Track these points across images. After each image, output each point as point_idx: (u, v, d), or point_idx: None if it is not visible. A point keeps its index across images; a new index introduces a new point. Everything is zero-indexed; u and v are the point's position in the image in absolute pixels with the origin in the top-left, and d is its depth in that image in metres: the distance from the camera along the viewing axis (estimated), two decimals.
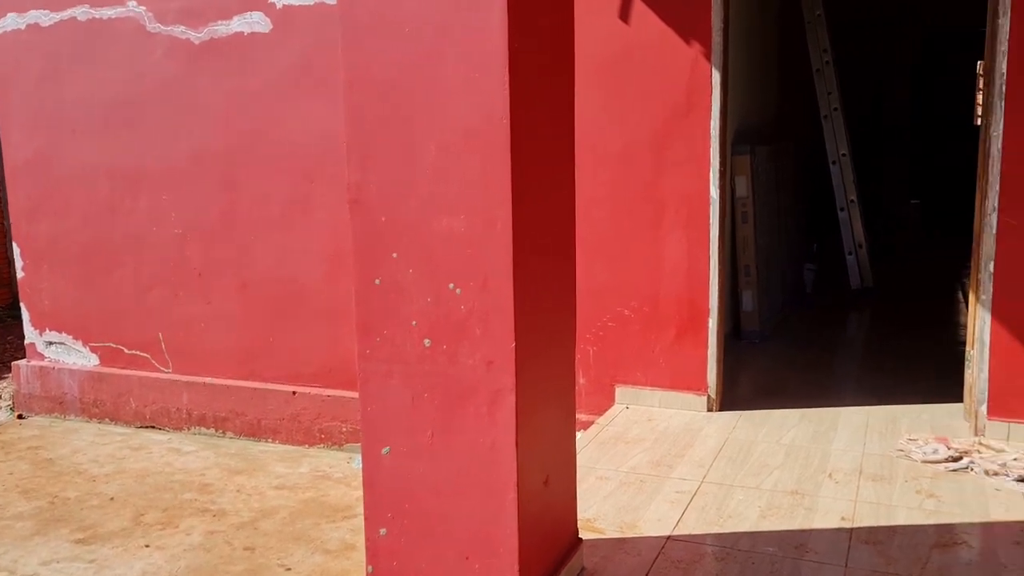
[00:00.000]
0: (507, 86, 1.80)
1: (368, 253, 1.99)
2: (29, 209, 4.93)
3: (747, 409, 3.72)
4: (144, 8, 4.39)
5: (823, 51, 5.94)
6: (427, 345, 1.96)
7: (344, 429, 4.31)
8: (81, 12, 4.54)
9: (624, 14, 3.49)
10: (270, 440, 4.48)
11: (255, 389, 4.49)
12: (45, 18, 4.64)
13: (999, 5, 3.05)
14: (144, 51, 4.44)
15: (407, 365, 2.00)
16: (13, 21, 4.73)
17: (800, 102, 6.71)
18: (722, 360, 3.73)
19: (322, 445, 4.38)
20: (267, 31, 4.16)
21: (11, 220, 5.03)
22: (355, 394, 4.34)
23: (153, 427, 4.74)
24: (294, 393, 4.40)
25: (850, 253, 6.13)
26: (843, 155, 6.08)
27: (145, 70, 4.47)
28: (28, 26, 4.70)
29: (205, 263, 4.53)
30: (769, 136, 5.50)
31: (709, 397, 3.68)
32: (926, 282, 6.82)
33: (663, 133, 3.55)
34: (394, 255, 1.96)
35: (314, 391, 4.37)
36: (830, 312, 5.77)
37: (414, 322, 1.97)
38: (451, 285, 1.92)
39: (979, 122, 3.17)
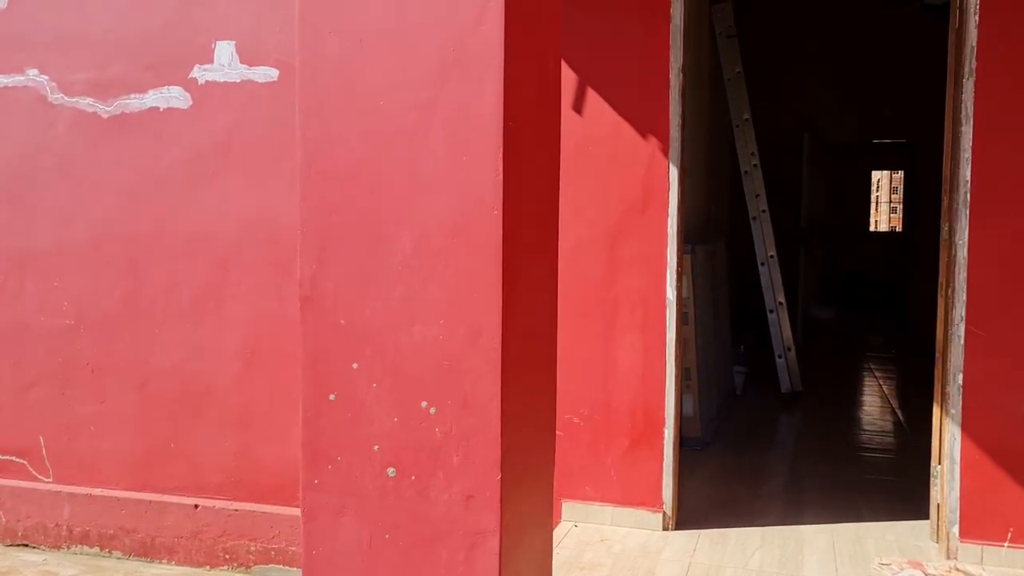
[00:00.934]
0: (500, 172, 1.53)
1: (321, 362, 1.66)
2: None
3: (703, 527, 3.45)
4: (47, 78, 4.00)
5: (751, 154, 5.99)
6: (391, 475, 1.62)
7: (253, 549, 3.81)
8: None
9: (578, 105, 3.33)
10: (165, 561, 3.93)
11: (150, 502, 3.96)
12: None
13: (961, 113, 3.01)
14: (44, 123, 4.03)
15: (365, 499, 1.64)
16: None
17: (726, 202, 6.74)
18: (678, 473, 3.48)
19: (226, 567, 3.86)
20: (186, 107, 3.83)
21: None
22: (267, 508, 3.89)
23: (26, 545, 4.11)
24: (196, 507, 3.89)
25: (780, 356, 6.06)
26: (771, 256, 6.07)
27: (43, 143, 4.04)
28: None
29: (100, 357, 4.03)
30: (704, 235, 5.43)
31: (664, 514, 3.40)
32: (851, 385, 6.82)
33: (618, 230, 3.35)
34: (354, 366, 1.63)
35: (220, 504, 3.87)
36: (764, 416, 5.64)
37: (376, 447, 1.63)
38: (424, 403, 1.60)
39: (943, 229, 3.11)
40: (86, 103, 3.95)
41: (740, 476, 4.22)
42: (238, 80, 3.73)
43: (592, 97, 3.32)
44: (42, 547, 4.09)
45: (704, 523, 3.49)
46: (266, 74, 3.68)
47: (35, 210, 4.08)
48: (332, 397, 1.65)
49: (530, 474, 1.74)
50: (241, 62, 3.72)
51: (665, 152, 3.28)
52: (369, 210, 1.60)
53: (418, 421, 1.60)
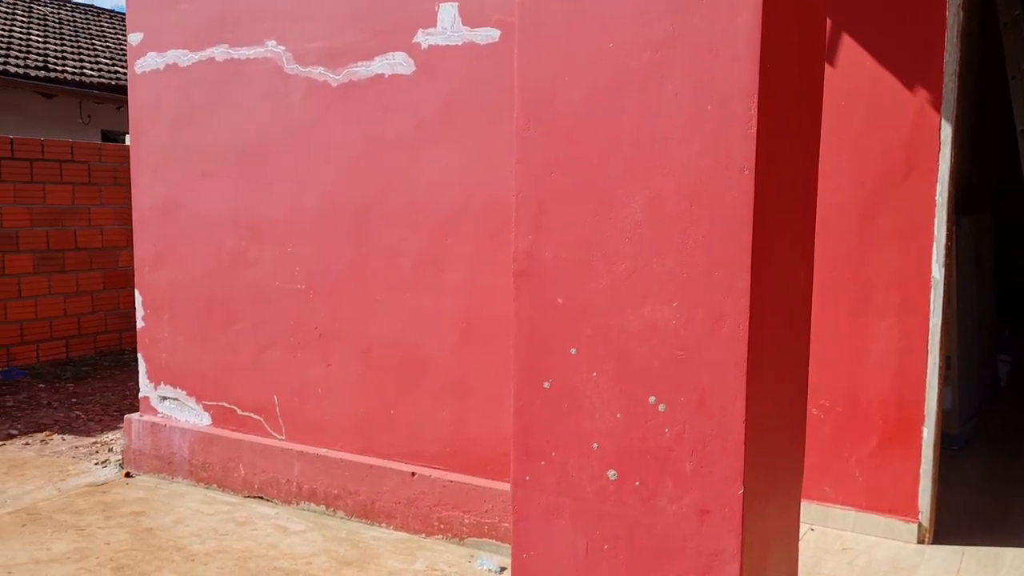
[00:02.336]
0: (753, 122, 1.25)
1: (536, 344, 1.46)
2: (153, 256, 4.71)
3: (968, 543, 2.97)
4: (284, 48, 4.11)
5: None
6: (612, 478, 1.41)
7: (467, 521, 3.77)
8: (220, 52, 4.31)
9: (830, 54, 2.91)
10: (383, 525, 3.99)
11: (371, 466, 4.03)
12: (184, 58, 4.45)
13: None
14: (280, 94, 4.16)
15: (582, 502, 1.44)
16: (153, 61, 4.56)
17: (993, 166, 5.89)
18: (937, 479, 3.01)
19: (440, 536, 3.85)
20: (409, 73, 3.79)
21: (136, 267, 4.82)
22: (481, 481, 3.83)
23: (261, 498, 4.34)
24: (413, 475, 3.91)
25: None
26: None
27: (279, 114, 4.17)
28: (167, 66, 4.52)
29: (327, 323, 4.14)
30: (967, 204, 4.74)
31: (920, 525, 2.96)
32: None
33: (874, 199, 2.91)
34: (572, 351, 1.43)
35: (435, 474, 3.86)
36: None
37: (595, 444, 1.42)
38: (652, 398, 1.37)
39: None
40: (318, 72, 4.02)
41: (1010, 483, 3.63)
42: (460, 43, 3.63)
43: (847, 44, 2.89)
44: (274, 501, 4.30)
45: (968, 538, 3.01)
46: (487, 35, 3.55)
47: (272, 179, 4.24)
48: (547, 384, 1.46)
49: (777, 487, 1.47)
50: (463, 24, 3.61)
51: (936, 106, 2.80)
52: (593, 170, 1.38)
53: (644, 418, 1.37)
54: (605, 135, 1.37)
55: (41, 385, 7.05)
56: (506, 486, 3.68)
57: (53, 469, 4.93)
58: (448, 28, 3.64)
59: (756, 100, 1.24)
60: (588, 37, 1.38)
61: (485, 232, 3.66)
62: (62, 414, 6.17)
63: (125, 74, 13.22)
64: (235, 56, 4.28)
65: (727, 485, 1.32)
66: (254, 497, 4.36)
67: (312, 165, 4.11)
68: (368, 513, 4.03)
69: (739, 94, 1.26)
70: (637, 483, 1.39)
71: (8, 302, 7.43)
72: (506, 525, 3.64)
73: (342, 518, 4.09)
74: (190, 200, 4.52)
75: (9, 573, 3.38)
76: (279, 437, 4.32)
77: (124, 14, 17.89)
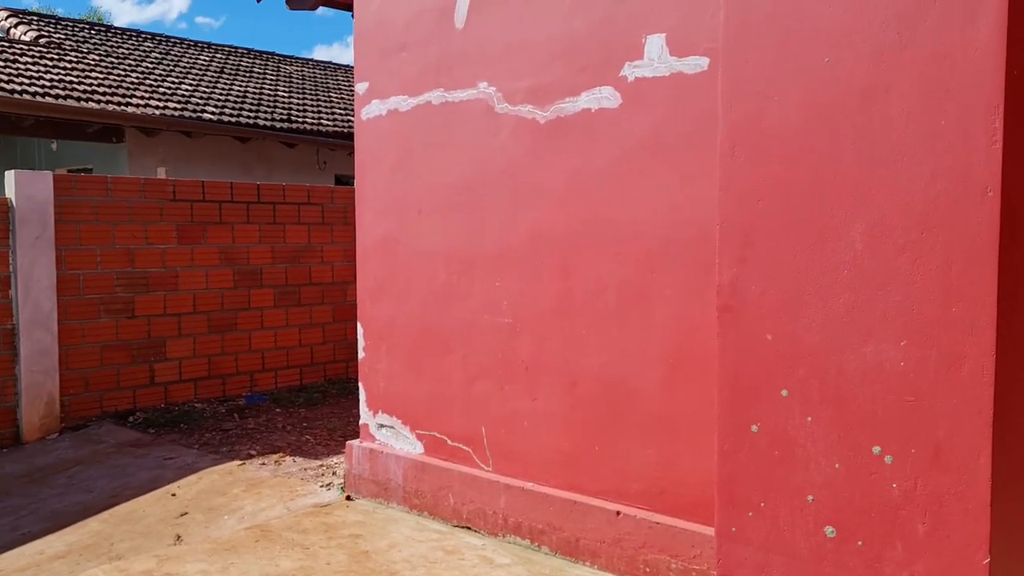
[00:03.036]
0: (998, 136, 1.10)
1: (742, 385, 1.36)
2: (374, 290, 4.98)
3: None
4: (494, 89, 4.24)
5: None
6: (830, 535, 1.27)
7: (674, 567, 3.62)
8: (436, 96, 4.52)
9: None
10: (588, 563, 3.92)
11: (575, 503, 3.98)
12: (404, 103, 4.70)
13: None
14: (490, 132, 4.28)
15: (795, 561, 1.31)
16: (376, 108, 4.86)
17: None
18: None
19: None
20: (615, 106, 3.77)
21: (358, 299, 5.12)
22: (689, 524, 3.66)
23: (468, 528, 4.41)
24: (618, 514, 3.82)
25: None
26: None
27: (489, 152, 4.30)
28: (388, 112, 4.79)
29: (533, 356, 4.17)
30: None
31: None
32: None
33: None
34: (783, 392, 1.31)
35: (641, 514, 3.75)
36: None
37: (810, 497, 1.29)
38: (876, 448, 1.22)
39: None
40: (526, 110, 4.10)
41: None
42: (667, 73, 3.57)
43: None
44: (481, 531, 4.35)
45: None
46: (696, 64, 3.46)
47: (482, 216, 4.36)
48: (755, 428, 1.35)
49: None
50: (670, 54, 3.55)
51: None
52: (806, 196, 1.27)
53: (867, 471, 1.22)
54: (819, 157, 1.25)
55: (278, 409, 7.64)
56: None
57: (284, 489, 5.30)
58: (655, 59, 3.59)
59: (1001, 112, 1.08)
60: (799, 53, 1.28)
61: (694, 264, 3.55)
62: (294, 437, 6.64)
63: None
64: (449, 99, 4.46)
65: (969, 552, 1.14)
66: (462, 527, 4.44)
67: (520, 200, 4.18)
68: (572, 551, 3.98)
69: (980, 105, 1.10)
70: (860, 543, 1.24)
71: (253, 332, 8.14)
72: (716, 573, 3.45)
73: (547, 554, 4.06)
74: (407, 237, 4.75)
75: None
76: (486, 468, 4.39)
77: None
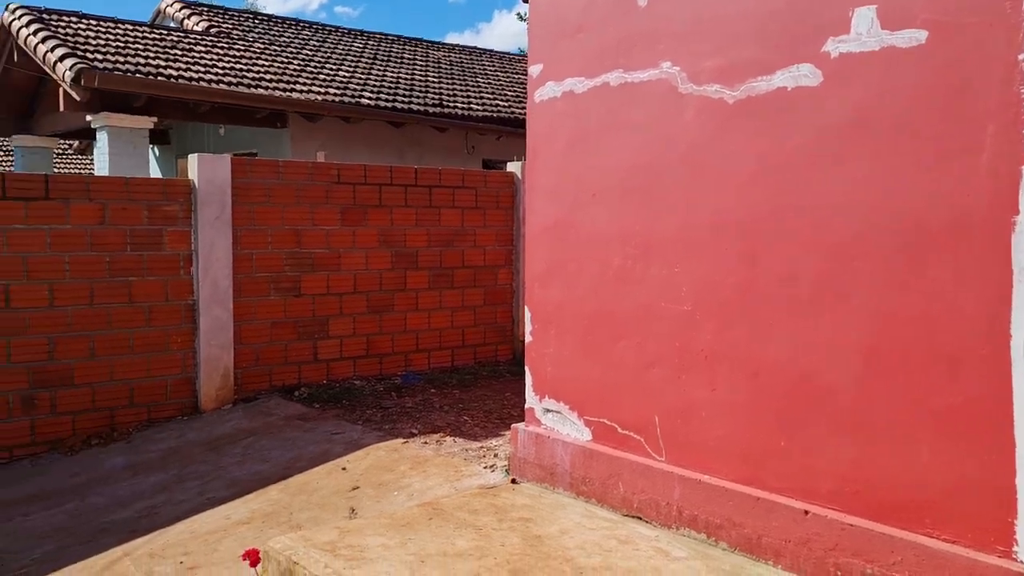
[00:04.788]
0: None
1: None
2: (543, 274, 4.95)
3: None
4: (678, 68, 4.10)
5: None
6: None
7: (868, 572, 3.41)
8: (614, 77, 4.43)
9: None
10: (770, 562, 3.77)
11: (758, 499, 3.83)
12: (579, 85, 4.63)
13: None
14: (672, 114, 4.15)
15: None
16: (550, 90, 4.81)
17: None
18: None
19: None
20: (815, 85, 3.57)
21: (526, 284, 5.11)
22: (887, 529, 3.43)
23: (639, 518, 4.33)
24: (806, 513, 3.64)
25: None
26: None
27: (671, 134, 4.17)
28: (563, 94, 4.74)
29: (713, 345, 4.03)
30: None
31: None
32: None
33: None
34: None
35: (832, 515, 3.56)
36: None
37: None
38: None
39: None
40: (713, 90, 3.95)
41: None
42: (876, 48, 3.34)
43: None
44: (653, 522, 4.26)
45: None
46: (911, 37, 3.22)
47: (661, 199, 4.25)
48: None
49: None
50: (881, 28, 3.32)
51: None
52: None
53: None
54: None
55: (432, 390, 7.79)
56: (918, 537, 3.28)
57: (448, 469, 5.38)
58: (864, 33, 3.37)
59: None
60: None
61: (897, 253, 3.32)
62: (452, 418, 6.74)
63: (503, 107, 14.35)
64: (629, 80, 4.35)
65: None
66: (632, 516, 4.36)
67: (703, 184, 4.04)
68: (753, 548, 3.83)
69: None
70: None
71: (408, 313, 8.33)
72: None
73: (724, 549, 3.93)
74: (579, 221, 4.69)
75: (422, 562, 3.69)
76: (659, 459, 4.29)
77: (501, 54, 19.48)
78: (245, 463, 5.82)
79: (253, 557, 3.65)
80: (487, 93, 15.00)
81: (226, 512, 4.98)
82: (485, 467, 5.36)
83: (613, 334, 4.52)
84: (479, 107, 13.84)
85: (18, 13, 11.66)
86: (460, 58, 17.51)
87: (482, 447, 5.87)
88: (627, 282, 4.43)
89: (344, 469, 5.50)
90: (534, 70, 4.91)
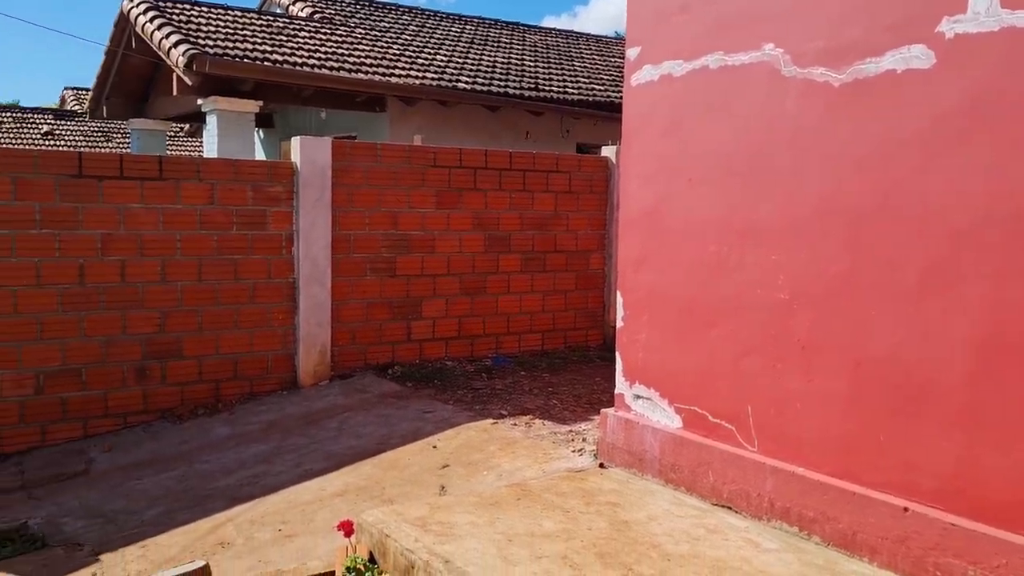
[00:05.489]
0: None
1: None
2: (637, 260, 4.92)
3: None
4: (781, 50, 4.00)
5: None
6: None
7: (971, 574, 3.29)
8: (713, 59, 4.34)
9: None
10: (866, 559, 3.67)
11: (854, 493, 3.73)
12: (677, 68, 4.56)
13: None
14: (774, 97, 4.05)
15: None
16: (648, 73, 4.76)
17: None
18: None
19: None
20: (927, 67, 3.42)
21: (619, 269, 5.09)
22: (992, 530, 3.28)
23: (729, 508, 4.28)
24: (906, 510, 3.52)
25: None
26: None
27: (772, 118, 4.07)
28: (661, 77, 4.68)
29: (811, 335, 3.93)
30: None
31: None
32: None
33: None
34: None
35: (933, 513, 3.44)
36: None
37: None
38: None
39: None
40: (817, 73, 3.84)
41: None
42: (996, 28, 3.18)
43: None
44: (743, 513, 4.20)
45: None
46: None
47: (761, 185, 4.15)
48: None
49: None
50: (1001, 7, 3.16)
51: None
52: None
53: None
54: None
55: (522, 372, 7.84)
56: None
57: (537, 451, 5.42)
58: (982, 13, 3.21)
59: None
60: None
61: (1013, 242, 3.17)
62: (541, 401, 6.78)
63: (599, 91, 14.25)
64: (729, 63, 4.27)
65: None
66: (721, 506, 4.31)
67: (806, 170, 3.93)
68: (848, 544, 3.73)
69: None
70: None
71: (499, 296, 8.40)
72: None
73: (817, 543, 3.85)
74: (675, 206, 4.63)
75: (509, 541, 3.74)
76: (751, 449, 4.22)
77: (598, 37, 19.33)
78: (340, 438, 6.01)
79: (347, 528, 3.77)
80: (583, 77, 14.91)
81: (321, 484, 5.15)
82: (573, 451, 5.38)
83: (706, 321, 4.46)
84: (575, 91, 13.77)
85: (136, 1, 12.20)
86: (557, 42, 17.44)
87: (570, 431, 5.89)
88: (723, 269, 4.36)
89: (435, 447, 5.61)
90: (631, 53, 4.86)
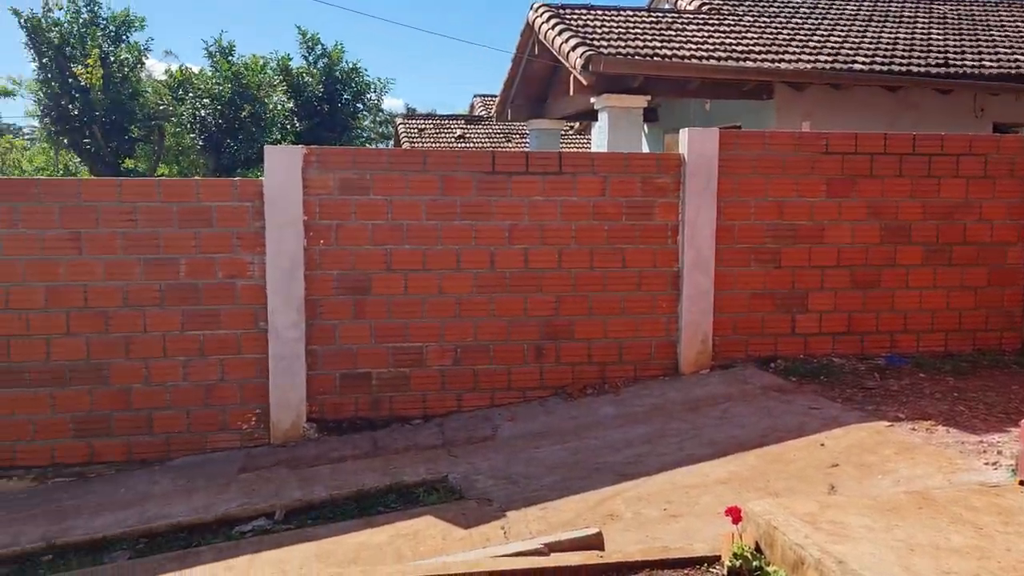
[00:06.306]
0: None
1: None
2: None
3: None
4: None
5: None
6: None
7: None
8: None
9: None
10: None
11: None
12: None
13: None
14: None
15: None
16: None
17: None
18: None
19: None
20: None
21: None
22: None
23: None
24: None
25: None
26: None
27: None
28: None
29: None
30: None
31: None
32: None
33: None
34: None
35: None
36: None
37: None
38: None
39: None
40: None
41: None
42: None
43: None
44: None
45: None
46: None
47: None
48: None
49: None
50: None
51: None
52: None
53: None
54: None
55: (921, 374, 7.21)
56: None
57: (940, 459, 4.97)
58: None
59: None
60: None
61: None
62: (945, 406, 6.18)
63: (1023, 61, 12.48)
64: None
65: None
66: None
67: None
68: None
69: None
70: None
71: (895, 292, 7.80)
72: None
73: None
74: None
75: (911, 550, 3.50)
76: None
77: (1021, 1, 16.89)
78: (722, 426, 6.03)
79: (735, 515, 3.79)
80: (1004, 47, 13.16)
81: (704, 470, 5.23)
82: (985, 463, 4.84)
83: None
84: (993, 63, 12.22)
85: (541, 11, 13.25)
86: (972, 10, 15.58)
87: (981, 441, 5.30)
88: None
89: (822, 445, 5.40)
90: None
